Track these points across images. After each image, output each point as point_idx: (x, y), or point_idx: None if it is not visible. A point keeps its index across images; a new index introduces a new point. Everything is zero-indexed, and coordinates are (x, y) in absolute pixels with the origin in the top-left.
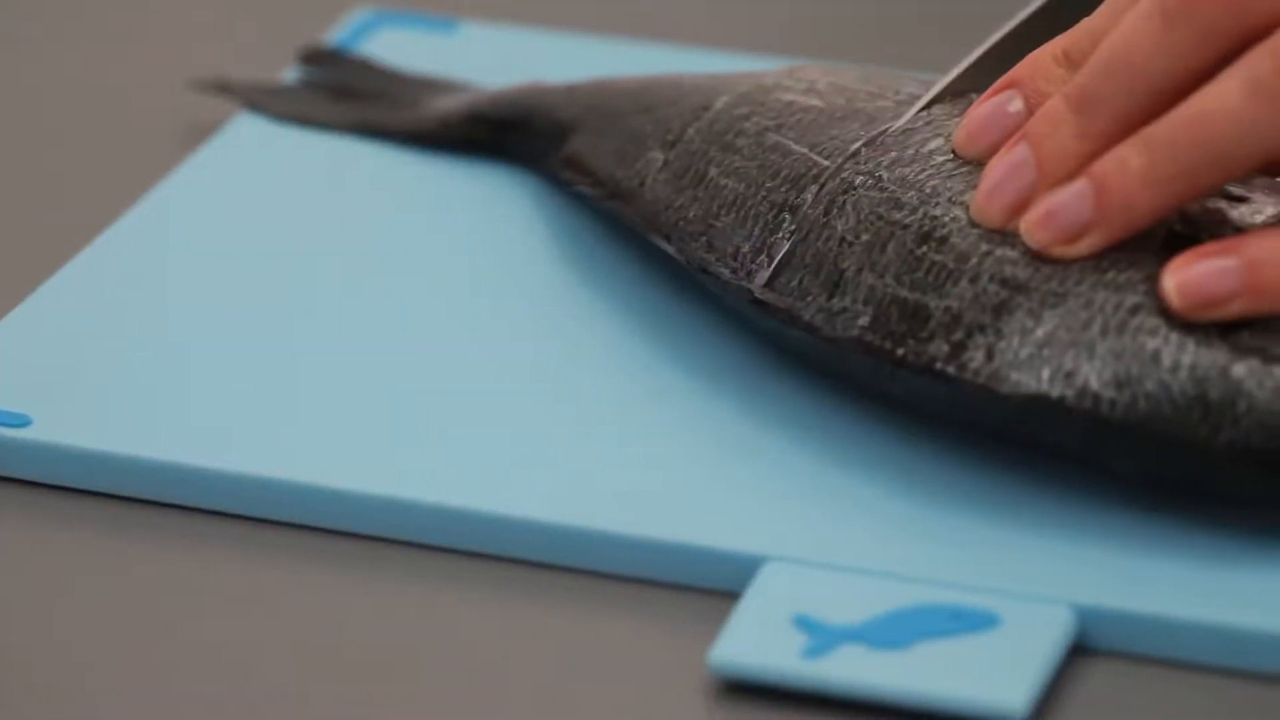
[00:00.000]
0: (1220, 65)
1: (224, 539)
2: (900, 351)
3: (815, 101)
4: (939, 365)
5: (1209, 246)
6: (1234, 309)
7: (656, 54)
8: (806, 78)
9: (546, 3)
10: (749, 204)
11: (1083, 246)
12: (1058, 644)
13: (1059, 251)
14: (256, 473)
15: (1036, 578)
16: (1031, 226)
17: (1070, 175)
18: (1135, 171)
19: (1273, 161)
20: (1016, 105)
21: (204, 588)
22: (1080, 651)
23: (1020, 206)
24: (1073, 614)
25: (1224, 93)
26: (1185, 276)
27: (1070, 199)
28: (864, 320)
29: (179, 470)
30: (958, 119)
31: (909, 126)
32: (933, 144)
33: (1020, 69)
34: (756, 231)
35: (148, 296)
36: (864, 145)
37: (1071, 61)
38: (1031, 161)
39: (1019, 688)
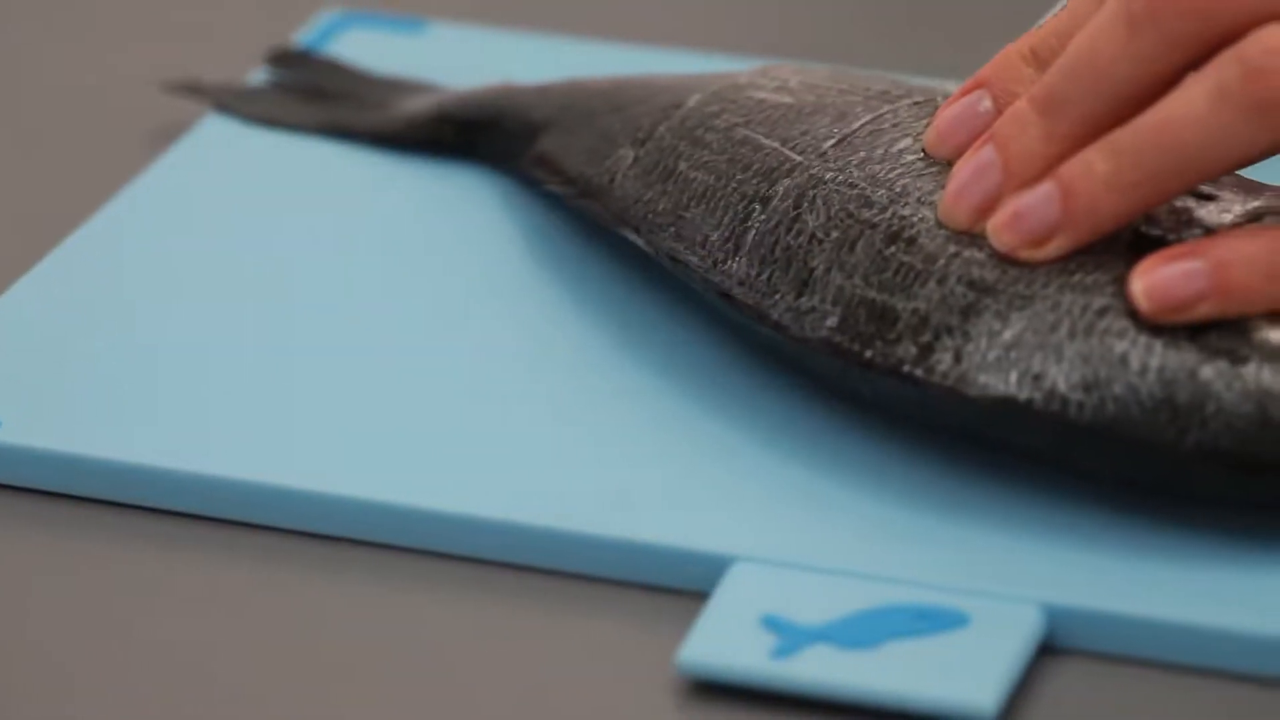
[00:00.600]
0: (1185, 70)
1: (192, 541)
2: (868, 354)
3: (785, 98)
4: (907, 368)
5: (1175, 249)
6: (1202, 311)
7: (626, 55)
8: (779, 76)
9: (515, 3)
10: (719, 195)
11: (1050, 250)
12: (1026, 643)
13: (1026, 254)
14: (226, 475)
15: (1005, 577)
16: (998, 228)
17: (1037, 177)
18: (1101, 176)
19: (1239, 166)
20: (985, 105)
21: (171, 589)
22: (1049, 651)
23: (987, 208)
24: (1041, 613)
25: (1190, 100)
26: (1152, 280)
27: (1037, 202)
28: (832, 321)
29: (147, 472)
30: (926, 120)
31: (876, 128)
32: (902, 143)
33: (988, 69)
34: (726, 221)
35: (117, 298)
36: (837, 143)
37: (1040, 60)
38: (998, 163)
39: (988, 687)
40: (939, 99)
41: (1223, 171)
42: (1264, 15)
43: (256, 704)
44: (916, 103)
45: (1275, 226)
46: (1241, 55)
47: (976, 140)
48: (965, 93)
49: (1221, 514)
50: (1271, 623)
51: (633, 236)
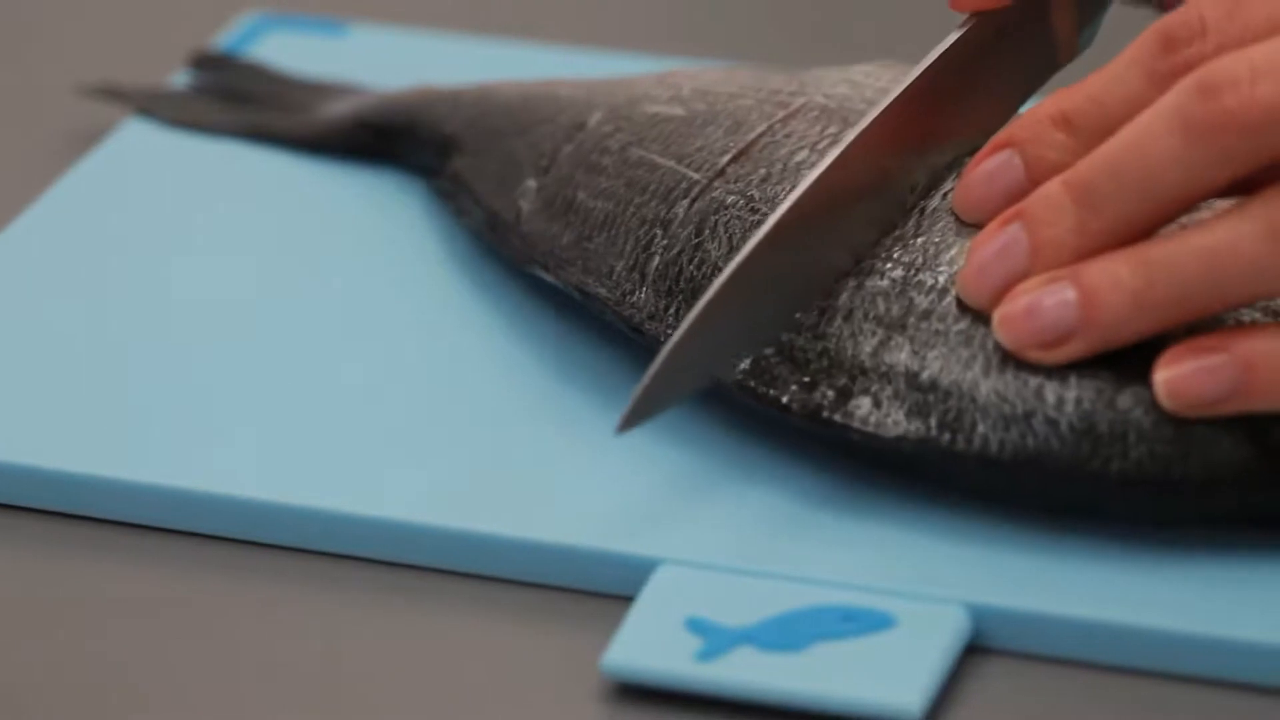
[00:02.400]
0: (1234, 185)
1: (113, 546)
2: (784, 399)
3: (677, 110)
4: (825, 414)
5: (1200, 341)
6: (1226, 409)
7: (546, 56)
8: (674, 84)
9: (436, 5)
10: (619, 223)
11: (1059, 354)
12: (952, 644)
13: (1034, 355)
14: (145, 481)
15: (930, 578)
16: (1007, 322)
17: (1061, 267)
18: (1129, 290)
19: (1275, 297)
20: (1014, 163)
21: (84, 594)
22: (975, 651)
23: (1009, 290)
24: (967, 613)
25: (1241, 234)
26: (1176, 374)
27: (1054, 304)
28: (745, 364)
29: (65, 478)
30: (818, 129)
31: (771, 140)
32: (799, 156)
33: (1018, 129)
34: (629, 249)
35: (37, 304)
36: (734, 159)
37: (1071, 126)
38: (1025, 245)
39: (914, 688)
40: (828, 99)
41: (1256, 300)
42: None
43: (166, 707)
44: (811, 106)
45: None
46: None
47: (1008, 202)
48: (992, 150)
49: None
50: (1195, 622)
51: (542, 274)
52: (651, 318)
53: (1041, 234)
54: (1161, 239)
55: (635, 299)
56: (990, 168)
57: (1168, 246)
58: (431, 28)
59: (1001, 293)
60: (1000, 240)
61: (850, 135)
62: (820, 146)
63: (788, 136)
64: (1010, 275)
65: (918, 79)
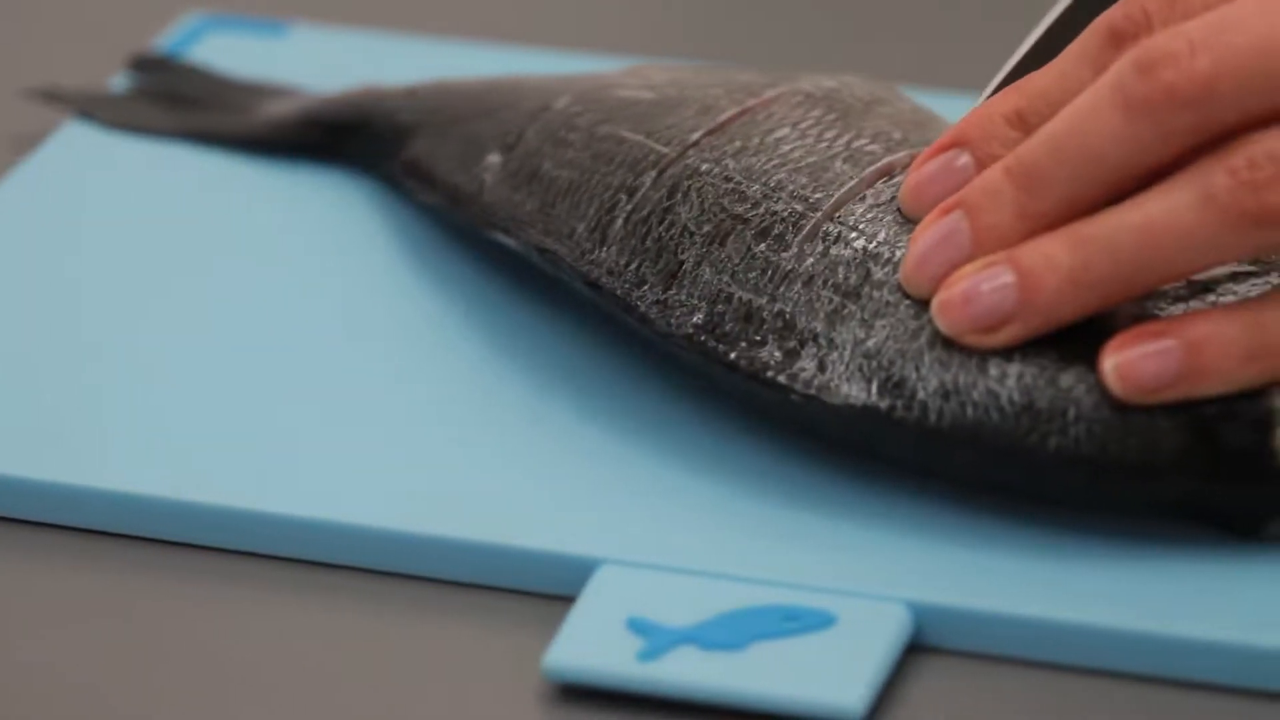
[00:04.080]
0: (1175, 162)
1: (26, 547)
2: (732, 355)
3: (647, 94)
4: (770, 374)
5: (1149, 326)
6: (1176, 393)
7: (491, 56)
8: (643, 74)
9: (377, 5)
10: (583, 189)
11: (1000, 338)
12: (894, 642)
13: (973, 340)
14: (86, 484)
15: (872, 576)
16: (945, 308)
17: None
18: (1065, 269)
19: (1211, 269)
20: (964, 162)
21: (27, 600)
22: (917, 649)
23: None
24: (909, 612)
25: (1174, 206)
26: (1124, 359)
27: (992, 288)
28: (698, 318)
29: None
30: (801, 111)
31: (750, 119)
32: (779, 133)
33: (969, 126)
34: (591, 213)
35: None
36: (706, 134)
37: (1026, 124)
38: (966, 232)
39: (855, 687)
40: (815, 88)
41: (1194, 273)
42: (1264, 114)
43: (112, 711)
44: (795, 93)
45: (1252, 302)
46: (1230, 166)
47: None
48: (943, 148)
49: (1086, 513)
50: (1137, 619)
51: (502, 238)
52: (611, 273)
53: (982, 221)
54: (1097, 216)
55: (595, 256)
56: (939, 165)
57: (1103, 223)
58: (372, 28)
59: (943, 282)
60: (940, 229)
61: (1050, 17)
62: (803, 126)
63: (768, 117)
64: (952, 264)
65: None
